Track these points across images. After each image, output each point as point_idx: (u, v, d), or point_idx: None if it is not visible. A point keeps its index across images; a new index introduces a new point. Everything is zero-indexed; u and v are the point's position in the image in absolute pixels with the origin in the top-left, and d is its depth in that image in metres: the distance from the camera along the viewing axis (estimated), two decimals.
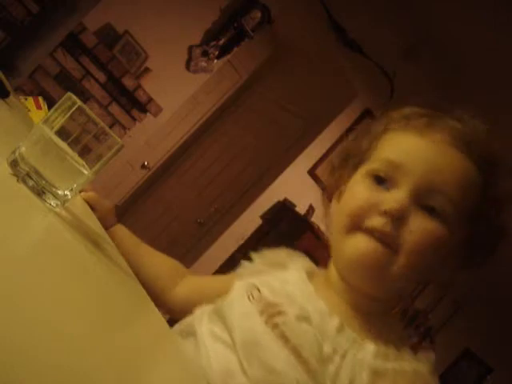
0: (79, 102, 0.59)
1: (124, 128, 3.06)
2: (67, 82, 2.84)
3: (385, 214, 0.63)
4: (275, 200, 3.34)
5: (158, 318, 0.62)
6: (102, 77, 2.93)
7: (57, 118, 0.59)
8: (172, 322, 0.77)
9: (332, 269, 0.72)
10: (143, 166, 3.36)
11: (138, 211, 3.56)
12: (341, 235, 0.67)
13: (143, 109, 3.08)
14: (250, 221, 3.40)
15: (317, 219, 3.15)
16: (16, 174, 0.58)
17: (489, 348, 4.09)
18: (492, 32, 2.49)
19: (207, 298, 0.77)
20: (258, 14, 3.15)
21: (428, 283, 0.73)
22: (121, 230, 0.96)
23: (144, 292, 0.68)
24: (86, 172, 0.61)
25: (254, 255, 0.85)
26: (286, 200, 3.31)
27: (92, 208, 0.91)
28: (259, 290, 0.69)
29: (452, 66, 2.84)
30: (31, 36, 2.18)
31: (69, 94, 0.60)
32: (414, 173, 0.64)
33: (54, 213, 0.59)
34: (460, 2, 2.53)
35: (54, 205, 0.60)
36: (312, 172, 3.50)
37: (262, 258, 0.84)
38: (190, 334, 0.69)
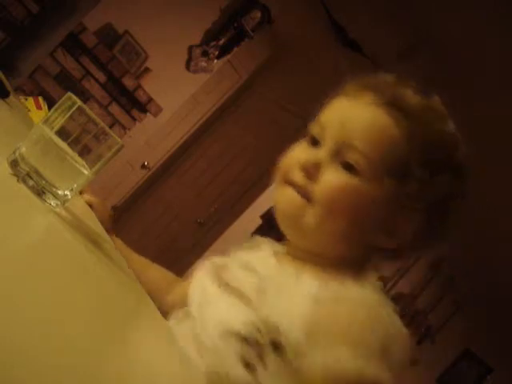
0: (79, 102, 0.59)
1: (124, 128, 3.06)
2: (67, 82, 2.84)
3: (301, 168, 0.68)
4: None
5: (158, 318, 0.62)
6: (101, 77, 2.93)
7: (57, 118, 0.59)
8: None
9: None
10: (143, 166, 3.36)
11: (137, 211, 3.56)
12: (275, 187, 0.73)
13: (143, 109, 3.08)
14: (249, 221, 3.40)
15: None
16: (16, 174, 0.58)
17: (489, 348, 4.09)
18: (492, 32, 2.49)
19: None
20: (258, 14, 3.15)
21: (377, 248, 0.70)
22: (115, 242, 0.97)
23: (144, 292, 0.68)
24: (86, 172, 0.61)
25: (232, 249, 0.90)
26: None
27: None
28: (214, 263, 0.77)
29: (452, 66, 2.84)
30: (31, 36, 2.19)
31: (69, 94, 0.60)
32: (333, 130, 0.68)
33: (53, 213, 0.59)
34: (460, 2, 2.53)
35: (54, 205, 0.60)
36: None
37: (241, 248, 0.88)
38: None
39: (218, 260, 0.80)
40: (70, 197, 0.61)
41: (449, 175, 0.68)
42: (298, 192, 0.68)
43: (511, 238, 3.43)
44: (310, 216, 0.66)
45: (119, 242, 0.98)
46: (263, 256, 0.75)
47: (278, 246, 0.80)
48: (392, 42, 2.92)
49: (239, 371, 0.58)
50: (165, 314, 0.92)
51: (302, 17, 3.16)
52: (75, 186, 0.61)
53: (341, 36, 3.16)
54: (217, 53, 3.18)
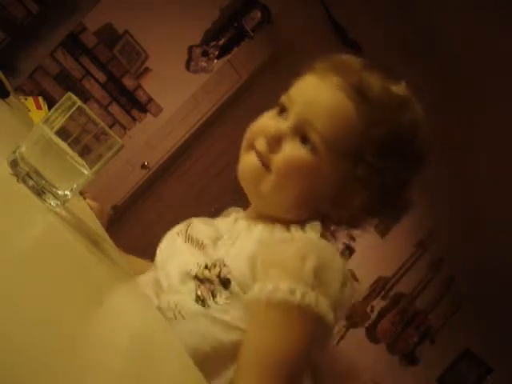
0: (79, 102, 0.59)
1: (124, 128, 3.06)
2: (67, 82, 2.84)
3: (263, 134, 0.73)
4: None
5: (158, 318, 0.62)
6: (101, 77, 2.92)
7: (57, 118, 0.59)
8: None
9: None
10: (143, 166, 3.36)
11: (137, 211, 3.56)
12: (240, 153, 0.78)
13: (143, 109, 3.08)
14: None
15: None
16: (16, 174, 0.58)
17: (489, 348, 4.09)
18: (492, 32, 2.49)
19: None
20: (258, 14, 3.15)
21: (325, 217, 0.77)
22: None
23: (144, 292, 0.68)
24: (86, 172, 0.61)
25: None
26: None
27: None
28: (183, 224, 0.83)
29: (451, 66, 2.84)
30: (31, 36, 2.18)
31: (69, 94, 0.60)
32: (298, 107, 0.73)
33: (53, 213, 0.59)
34: (460, 3, 2.53)
35: (54, 205, 0.60)
36: None
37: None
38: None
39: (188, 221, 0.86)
40: (69, 197, 0.61)
41: (401, 164, 0.73)
42: (259, 159, 0.73)
43: (511, 238, 3.43)
44: (267, 183, 0.72)
45: None
46: (226, 219, 0.83)
47: (243, 213, 0.87)
48: (392, 41, 2.92)
49: (193, 305, 0.65)
50: None
51: (302, 17, 3.16)
52: (75, 186, 0.61)
53: (341, 36, 3.16)
54: (217, 53, 3.18)
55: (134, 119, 3.08)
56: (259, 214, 0.78)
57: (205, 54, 3.16)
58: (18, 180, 0.58)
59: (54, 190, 0.59)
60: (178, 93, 3.22)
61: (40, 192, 0.58)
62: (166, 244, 0.82)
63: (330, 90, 0.71)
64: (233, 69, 3.40)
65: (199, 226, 0.81)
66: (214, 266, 0.67)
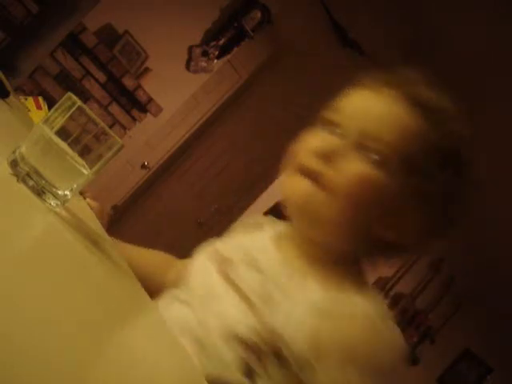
0: (79, 102, 0.59)
1: (124, 128, 3.06)
2: (67, 82, 2.84)
3: (315, 152, 0.65)
4: (275, 200, 3.34)
5: (158, 318, 0.62)
6: (101, 77, 2.92)
7: (57, 118, 0.59)
8: None
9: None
10: (143, 166, 3.36)
11: (137, 211, 3.56)
12: (285, 176, 0.69)
13: (143, 109, 3.08)
14: None
15: None
16: (16, 174, 0.58)
17: (489, 348, 4.09)
18: (492, 32, 2.49)
19: None
20: (258, 14, 3.15)
21: (381, 240, 0.69)
22: None
23: (144, 292, 0.68)
24: (85, 172, 0.61)
25: (235, 225, 0.89)
26: None
27: None
28: (217, 247, 0.75)
29: (451, 66, 2.84)
30: (31, 36, 2.18)
31: (69, 94, 0.60)
32: (356, 120, 0.66)
33: (53, 213, 0.59)
34: (460, 2, 2.53)
35: (54, 205, 0.60)
36: None
37: (243, 225, 0.86)
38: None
39: (220, 247, 0.77)
40: (69, 197, 0.61)
41: (458, 177, 0.68)
42: (313, 180, 0.65)
43: (511, 237, 3.43)
44: (328, 207, 0.64)
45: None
46: (266, 246, 0.73)
47: (280, 225, 0.78)
48: (392, 41, 2.92)
49: (239, 377, 0.58)
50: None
51: (302, 17, 3.16)
52: (75, 186, 0.61)
53: (341, 36, 3.16)
54: (217, 53, 3.18)
55: (134, 119, 3.08)
56: (306, 241, 0.70)
57: (205, 53, 3.16)
58: (18, 180, 0.58)
59: (54, 189, 0.59)
60: (177, 93, 3.22)
61: (40, 192, 0.58)
62: (200, 276, 0.72)
63: (390, 102, 0.67)
64: (233, 69, 3.40)
65: (241, 270, 0.69)
66: (267, 332, 0.59)
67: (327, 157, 0.65)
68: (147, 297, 0.67)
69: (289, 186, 0.69)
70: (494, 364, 4.18)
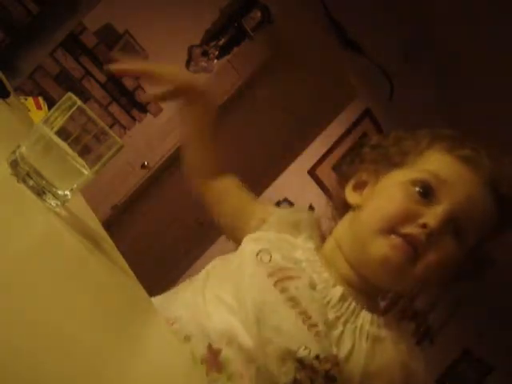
0: (79, 102, 0.59)
1: (124, 128, 3.06)
2: (67, 82, 2.84)
3: (423, 226, 0.68)
4: (275, 200, 3.34)
5: (157, 318, 0.62)
6: (101, 77, 2.92)
7: (57, 118, 0.59)
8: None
9: (337, 250, 0.77)
10: (143, 166, 3.36)
11: (137, 211, 3.56)
12: (371, 233, 0.71)
13: (143, 109, 3.08)
14: None
15: None
16: (16, 174, 0.58)
17: (489, 348, 4.09)
18: (492, 32, 2.49)
19: (225, 208, 0.96)
20: (258, 14, 3.15)
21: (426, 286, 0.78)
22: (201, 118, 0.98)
23: (144, 292, 0.68)
24: (86, 172, 0.61)
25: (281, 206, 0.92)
26: (285, 200, 3.31)
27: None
28: (270, 255, 0.73)
29: (451, 67, 2.84)
30: (31, 36, 2.18)
31: (69, 94, 0.60)
32: (456, 197, 0.70)
33: (53, 213, 0.59)
34: (460, 2, 2.53)
35: (54, 205, 0.60)
36: (312, 172, 3.50)
37: (279, 221, 0.84)
38: (198, 289, 0.74)
39: (266, 245, 0.75)
40: (69, 197, 0.61)
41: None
42: (409, 244, 0.68)
43: (511, 238, 3.42)
44: (413, 272, 0.69)
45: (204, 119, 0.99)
46: (315, 262, 0.74)
47: (315, 229, 0.82)
48: (392, 41, 2.92)
49: None
50: (190, 188, 0.94)
51: (302, 17, 3.15)
52: (75, 185, 0.61)
53: (341, 36, 3.16)
54: (217, 53, 3.18)
55: (134, 119, 3.08)
56: (361, 278, 0.74)
57: (205, 54, 3.16)
58: (18, 180, 0.58)
59: (54, 189, 0.59)
60: None
61: (40, 192, 0.58)
62: (250, 278, 0.70)
63: (481, 185, 0.72)
64: (233, 69, 3.40)
65: (300, 285, 0.69)
66: (327, 360, 0.63)
67: (429, 231, 0.69)
68: (147, 297, 0.67)
69: (383, 245, 0.70)
70: (494, 364, 4.18)
